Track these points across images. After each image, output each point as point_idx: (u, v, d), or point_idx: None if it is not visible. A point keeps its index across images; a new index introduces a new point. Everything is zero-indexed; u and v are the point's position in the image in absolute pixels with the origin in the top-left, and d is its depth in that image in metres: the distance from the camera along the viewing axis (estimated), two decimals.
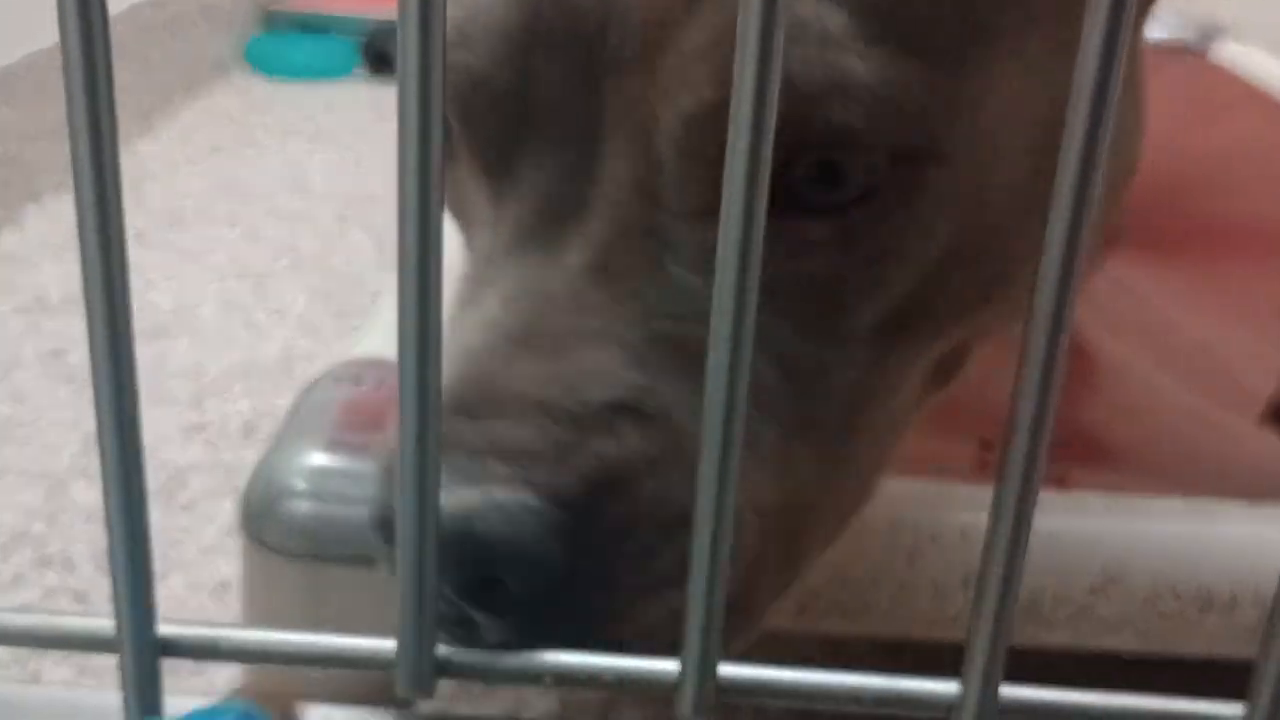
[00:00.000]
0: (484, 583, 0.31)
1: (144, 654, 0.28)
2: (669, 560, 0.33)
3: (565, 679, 0.28)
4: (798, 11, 0.32)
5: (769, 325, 0.34)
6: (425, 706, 0.53)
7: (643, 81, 0.33)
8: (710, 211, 0.32)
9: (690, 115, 0.33)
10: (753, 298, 0.24)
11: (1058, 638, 0.46)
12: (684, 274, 0.34)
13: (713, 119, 0.32)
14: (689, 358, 0.33)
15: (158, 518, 0.92)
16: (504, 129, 0.35)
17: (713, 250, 0.33)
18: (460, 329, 0.35)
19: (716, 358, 0.24)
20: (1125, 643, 0.46)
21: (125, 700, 0.28)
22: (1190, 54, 1.29)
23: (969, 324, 0.38)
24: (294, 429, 0.49)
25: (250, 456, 0.90)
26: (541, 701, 0.69)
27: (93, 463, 0.86)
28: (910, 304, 0.36)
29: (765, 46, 0.22)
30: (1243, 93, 1.16)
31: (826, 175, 0.34)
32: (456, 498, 0.30)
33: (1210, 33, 1.30)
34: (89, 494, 0.84)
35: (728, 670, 0.27)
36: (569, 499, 0.31)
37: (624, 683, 0.28)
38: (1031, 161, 0.36)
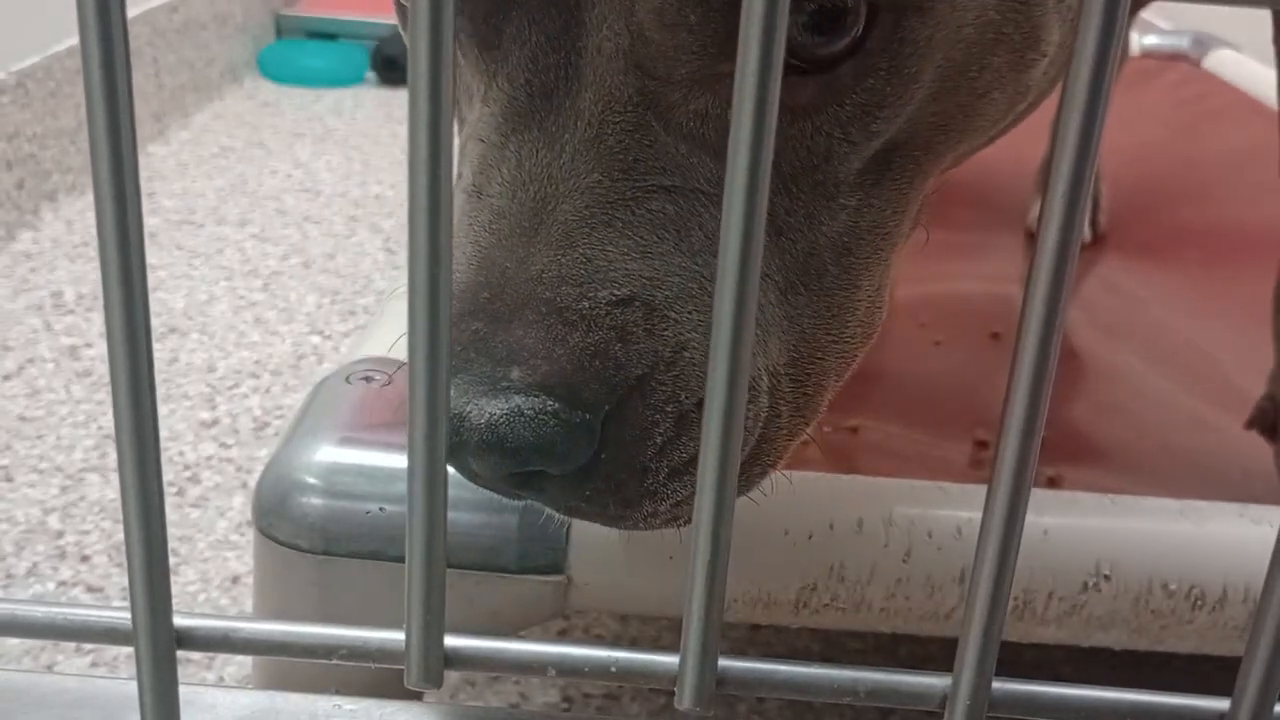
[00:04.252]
0: (522, 476, 0.34)
1: (160, 646, 0.28)
2: (689, 443, 0.35)
3: (568, 671, 0.29)
4: None
5: None
6: (431, 697, 0.54)
7: None
8: (696, 79, 0.34)
9: None
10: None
11: (1050, 634, 0.47)
12: (674, 142, 0.35)
13: None
14: (686, 238, 0.35)
15: (170, 513, 0.93)
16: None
17: (698, 116, 0.35)
18: (471, 222, 0.36)
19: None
20: (1117, 639, 0.47)
21: (140, 691, 0.29)
22: (1185, 62, 1.29)
23: (940, 157, 0.39)
24: (305, 425, 0.49)
25: (261, 453, 0.91)
26: (544, 693, 0.69)
27: (106, 458, 0.87)
28: (892, 146, 0.37)
29: None
30: (1235, 100, 1.16)
31: (817, 29, 0.34)
32: (483, 408, 0.33)
33: (1205, 41, 1.30)
34: (103, 489, 0.85)
35: (727, 663, 0.28)
36: (587, 400, 0.33)
37: (625, 674, 0.29)
38: None
